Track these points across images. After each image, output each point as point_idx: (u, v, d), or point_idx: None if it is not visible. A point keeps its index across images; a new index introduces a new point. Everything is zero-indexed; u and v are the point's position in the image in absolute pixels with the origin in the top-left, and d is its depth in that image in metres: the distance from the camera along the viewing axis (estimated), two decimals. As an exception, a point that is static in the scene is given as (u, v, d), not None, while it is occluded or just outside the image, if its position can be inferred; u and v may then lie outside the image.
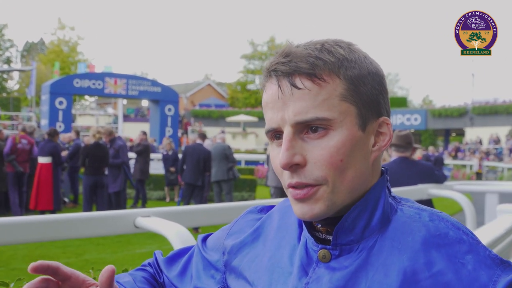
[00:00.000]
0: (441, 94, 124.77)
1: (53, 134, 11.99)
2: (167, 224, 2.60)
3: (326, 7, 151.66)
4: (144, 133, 14.33)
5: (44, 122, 24.73)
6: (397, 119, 42.30)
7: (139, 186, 13.55)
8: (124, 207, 11.67)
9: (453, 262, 0.93)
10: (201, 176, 11.39)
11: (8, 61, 62.68)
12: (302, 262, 1.04)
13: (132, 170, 13.40)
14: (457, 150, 37.65)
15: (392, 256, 0.96)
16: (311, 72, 0.95)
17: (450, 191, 5.17)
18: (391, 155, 5.39)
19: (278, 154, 0.99)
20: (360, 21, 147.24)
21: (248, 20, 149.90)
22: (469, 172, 27.81)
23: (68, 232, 2.62)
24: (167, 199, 15.69)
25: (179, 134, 31.41)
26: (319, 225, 1.04)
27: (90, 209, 10.82)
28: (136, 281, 1.26)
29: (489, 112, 39.59)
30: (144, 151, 13.49)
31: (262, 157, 25.81)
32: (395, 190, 4.49)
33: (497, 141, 37.18)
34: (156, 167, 17.42)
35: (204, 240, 1.30)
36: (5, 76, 59.40)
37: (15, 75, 61.53)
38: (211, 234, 1.32)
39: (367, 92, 0.99)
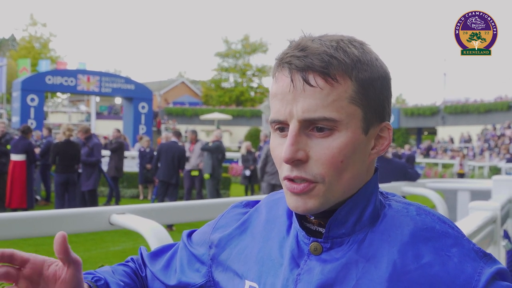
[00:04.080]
0: (414, 93, 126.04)
1: (27, 131, 11.84)
2: (142, 221, 2.59)
3: (300, 4, 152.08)
4: (118, 130, 14.24)
5: (16, 119, 24.43)
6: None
7: (112, 183, 13.45)
8: (97, 205, 11.56)
9: (440, 255, 0.97)
10: (175, 174, 11.36)
11: (-22, 57, 61.67)
12: (293, 254, 1.06)
13: (106, 168, 13.30)
14: (429, 148, 38.04)
15: (381, 248, 1.00)
16: (325, 71, 0.95)
17: (423, 189, 5.23)
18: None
19: (280, 146, 1.01)
20: (333, 18, 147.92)
21: (222, 18, 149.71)
22: (441, 170, 28.10)
23: (42, 230, 2.60)
24: (141, 197, 15.58)
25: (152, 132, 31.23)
26: (312, 217, 1.07)
27: (62, 207, 10.69)
28: (115, 273, 1.27)
29: (461, 112, 40.14)
30: (118, 148, 13.39)
31: (236, 155, 25.78)
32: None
33: (468, 140, 37.67)
34: (130, 165, 17.31)
35: (190, 235, 1.32)
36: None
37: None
38: (196, 230, 1.33)
39: (375, 97, 1.01)
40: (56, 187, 11.03)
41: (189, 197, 13.20)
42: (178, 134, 12.19)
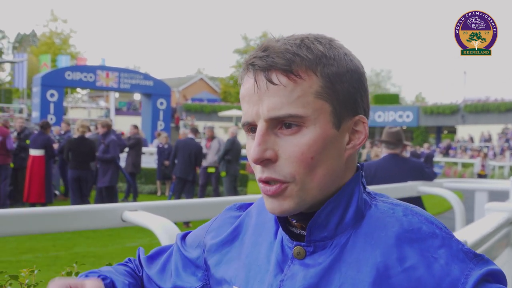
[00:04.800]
0: (434, 91, 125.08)
1: (45, 126, 11.95)
2: (154, 218, 2.59)
3: (320, 2, 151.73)
4: (136, 126, 14.27)
5: (36, 114, 24.60)
6: (389, 116, 42.41)
7: (130, 179, 13.51)
8: (116, 202, 11.61)
9: (425, 256, 0.94)
10: (192, 171, 11.39)
11: (-1, 52, 62.36)
12: (277, 259, 1.05)
13: (123, 163, 13.36)
14: (449, 147, 37.75)
15: (365, 252, 0.97)
16: (287, 68, 0.94)
17: (440, 189, 5.17)
18: (382, 152, 5.38)
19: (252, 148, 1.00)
20: (353, 17, 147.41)
21: (241, 15, 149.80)
22: (460, 170, 27.89)
23: (55, 225, 2.61)
24: (159, 193, 15.66)
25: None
26: (294, 221, 1.05)
27: (77, 202, 10.78)
28: (118, 271, 1.26)
29: (481, 110, 39.76)
30: (136, 144, 13.44)
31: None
32: (384, 187, 4.49)
33: (488, 139, 37.32)
34: (148, 161, 17.36)
35: (184, 238, 1.30)
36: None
37: (7, 66, 61.18)
38: (190, 232, 1.32)
39: (344, 90, 0.98)
40: (70, 183, 11.11)
41: (202, 194, 13.22)
42: (195, 130, 12.22)
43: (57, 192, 13.91)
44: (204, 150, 12.64)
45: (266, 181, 0.98)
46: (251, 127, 1.01)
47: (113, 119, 33.25)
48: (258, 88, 0.96)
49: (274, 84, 0.94)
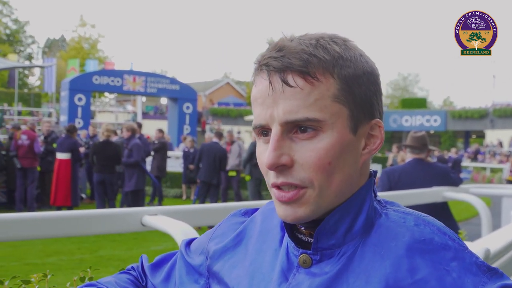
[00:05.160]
0: (462, 95, 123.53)
1: (72, 130, 12.09)
2: (173, 223, 2.58)
3: (346, 7, 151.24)
4: (161, 130, 14.35)
5: (64, 118, 24.88)
6: (416, 120, 42.04)
7: (157, 182, 13.58)
8: (142, 205, 11.66)
9: (437, 269, 0.90)
10: (216, 175, 11.41)
11: (29, 57, 63.36)
12: (282, 267, 1.01)
13: (149, 167, 13.43)
14: (477, 152, 37.26)
15: (374, 262, 0.93)
16: (304, 70, 0.90)
17: (466, 194, 5.08)
18: (406, 156, 5.32)
19: (265, 152, 0.96)
20: (380, 20, 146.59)
21: (267, 19, 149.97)
22: (489, 175, 27.49)
23: (75, 229, 2.62)
24: (184, 197, 15.71)
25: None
26: (302, 227, 1.01)
27: (102, 205, 10.87)
28: (120, 280, 1.24)
29: (510, 115, 39.20)
30: (161, 148, 13.51)
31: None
32: (409, 193, 4.43)
33: (518, 144, 36.75)
34: (173, 165, 17.43)
35: (188, 244, 1.27)
36: (26, 72, 59.96)
37: (36, 71, 62.12)
38: (195, 238, 1.28)
39: (361, 94, 0.95)
40: (95, 186, 11.22)
41: (225, 198, 13.22)
42: (219, 135, 12.25)
43: (83, 196, 14.04)
44: (226, 154, 12.65)
45: (280, 187, 0.94)
46: (263, 130, 0.97)
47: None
48: (273, 90, 0.92)
49: (290, 86, 0.90)
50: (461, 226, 5.52)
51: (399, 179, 4.93)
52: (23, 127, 13.46)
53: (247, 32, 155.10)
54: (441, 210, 4.88)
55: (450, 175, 5.12)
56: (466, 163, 31.30)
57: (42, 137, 13.07)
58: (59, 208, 11.40)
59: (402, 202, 3.69)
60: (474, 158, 36.02)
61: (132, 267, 1.35)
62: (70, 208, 11.42)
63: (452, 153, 26.11)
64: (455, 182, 5.11)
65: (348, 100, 0.93)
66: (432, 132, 42.12)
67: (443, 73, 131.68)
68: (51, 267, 7.07)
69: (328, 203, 0.94)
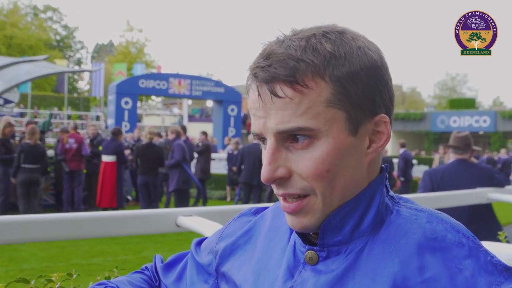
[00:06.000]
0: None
1: (117, 133, 12.28)
2: (208, 224, 2.57)
3: (392, 5, 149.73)
4: (204, 133, 14.45)
5: (111, 121, 25.32)
6: (465, 121, 41.22)
7: (200, 185, 13.68)
8: (186, 206, 11.75)
9: (449, 267, 0.85)
10: (257, 176, 11.42)
11: (79, 62, 64.85)
12: (288, 264, 0.98)
13: (193, 169, 13.53)
14: (529, 153, 36.31)
15: (382, 260, 0.89)
16: (291, 79, 0.86)
17: (512, 196, 4.93)
18: (449, 157, 5.20)
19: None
20: (427, 19, 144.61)
21: (308, 21, 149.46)
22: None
23: (108, 230, 2.63)
24: (228, 199, 15.77)
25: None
26: None
27: (146, 207, 11.00)
28: (134, 280, 1.23)
29: None
30: (205, 150, 13.60)
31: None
32: (452, 194, 4.32)
33: None
34: (218, 167, 17.53)
35: (199, 244, 1.25)
36: (75, 77, 61.37)
37: (85, 76, 63.52)
38: (206, 238, 1.27)
39: (359, 92, 0.89)
40: (139, 188, 11.37)
41: (269, 200, 13.22)
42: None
43: (129, 198, 14.24)
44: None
45: (284, 198, 0.92)
46: (260, 137, 0.94)
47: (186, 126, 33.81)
48: (263, 102, 0.89)
49: (279, 97, 0.87)
50: (506, 229, 5.36)
51: (442, 180, 4.82)
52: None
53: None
54: (485, 211, 4.75)
55: (495, 176, 4.97)
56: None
57: (88, 140, 13.32)
58: (105, 209, 11.58)
59: (445, 204, 3.59)
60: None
61: (146, 267, 1.34)
62: (115, 209, 11.58)
63: (502, 154, 25.51)
64: (500, 183, 4.95)
65: (344, 102, 0.88)
66: (481, 133, 41.26)
67: (493, 72, 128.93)
68: (96, 267, 7.18)
69: (333, 209, 0.92)
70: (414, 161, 18.03)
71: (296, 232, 0.99)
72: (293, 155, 0.89)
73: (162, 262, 1.32)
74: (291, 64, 0.86)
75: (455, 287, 0.83)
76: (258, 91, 0.89)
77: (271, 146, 0.90)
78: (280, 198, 0.94)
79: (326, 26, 0.93)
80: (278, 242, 1.05)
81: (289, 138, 0.89)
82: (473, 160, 5.42)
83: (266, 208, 1.19)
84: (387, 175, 0.99)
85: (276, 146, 0.89)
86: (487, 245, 2.50)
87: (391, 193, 1.00)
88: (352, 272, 0.90)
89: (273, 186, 0.93)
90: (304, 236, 0.99)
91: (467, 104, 45.72)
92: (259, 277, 1.02)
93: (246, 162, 11.49)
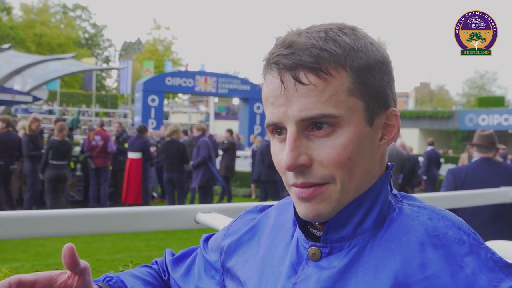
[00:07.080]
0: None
1: (143, 130, 12.36)
2: (227, 221, 2.57)
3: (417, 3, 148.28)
4: (229, 130, 14.47)
5: (138, 119, 25.55)
6: (494, 119, 40.61)
7: (223, 182, 13.71)
8: (209, 203, 11.79)
9: (450, 264, 0.86)
10: (275, 172, 11.40)
11: (107, 60, 65.51)
12: (292, 261, 0.99)
13: (218, 167, 13.57)
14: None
15: (384, 256, 0.90)
16: (316, 66, 0.87)
17: (538, 195, 4.85)
18: (473, 156, 5.13)
19: (280, 151, 0.94)
20: (452, 17, 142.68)
21: (339, 19, 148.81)
22: None
23: (128, 226, 2.66)
24: (253, 196, 15.78)
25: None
26: (317, 223, 0.99)
27: (172, 203, 11.05)
28: (140, 273, 1.25)
29: None
30: (229, 148, 13.63)
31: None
32: (475, 193, 4.27)
33: None
34: (243, 164, 17.55)
35: (207, 240, 1.27)
36: (104, 74, 62.00)
37: (113, 73, 64.14)
38: (213, 234, 1.28)
39: (375, 84, 0.92)
40: (165, 185, 11.48)
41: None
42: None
43: (155, 194, 14.34)
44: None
45: (302, 187, 0.92)
46: (277, 128, 0.95)
47: (211, 124, 33.96)
48: (285, 89, 0.89)
49: (303, 84, 0.88)
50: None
51: (465, 178, 4.76)
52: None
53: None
54: (508, 211, 4.69)
55: (520, 174, 4.89)
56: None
57: (113, 137, 13.44)
58: (130, 206, 11.68)
59: (468, 203, 3.54)
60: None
61: (156, 262, 1.36)
62: (140, 206, 11.67)
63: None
64: (525, 182, 4.88)
65: (363, 92, 0.91)
66: (510, 131, 40.64)
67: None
68: (120, 263, 7.21)
69: (349, 199, 0.93)
70: (442, 160, 17.81)
71: (300, 228, 1.00)
72: (314, 143, 0.90)
73: (172, 256, 1.34)
74: (315, 52, 0.88)
75: (456, 284, 0.84)
76: (281, 78, 0.90)
77: (293, 133, 0.90)
78: (293, 188, 0.94)
79: (338, 24, 0.95)
80: (282, 239, 1.06)
81: (310, 126, 0.90)
82: (498, 158, 5.35)
83: (271, 206, 1.20)
84: (391, 174, 1.01)
85: (297, 133, 0.90)
86: (508, 244, 2.47)
87: (395, 191, 1.01)
88: (355, 269, 0.91)
89: (291, 175, 0.93)
90: (307, 232, 1.00)
91: (496, 102, 45.04)
92: (263, 273, 1.04)
93: (265, 159, 11.49)
